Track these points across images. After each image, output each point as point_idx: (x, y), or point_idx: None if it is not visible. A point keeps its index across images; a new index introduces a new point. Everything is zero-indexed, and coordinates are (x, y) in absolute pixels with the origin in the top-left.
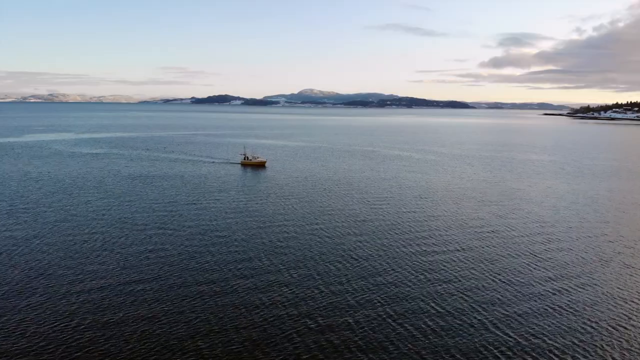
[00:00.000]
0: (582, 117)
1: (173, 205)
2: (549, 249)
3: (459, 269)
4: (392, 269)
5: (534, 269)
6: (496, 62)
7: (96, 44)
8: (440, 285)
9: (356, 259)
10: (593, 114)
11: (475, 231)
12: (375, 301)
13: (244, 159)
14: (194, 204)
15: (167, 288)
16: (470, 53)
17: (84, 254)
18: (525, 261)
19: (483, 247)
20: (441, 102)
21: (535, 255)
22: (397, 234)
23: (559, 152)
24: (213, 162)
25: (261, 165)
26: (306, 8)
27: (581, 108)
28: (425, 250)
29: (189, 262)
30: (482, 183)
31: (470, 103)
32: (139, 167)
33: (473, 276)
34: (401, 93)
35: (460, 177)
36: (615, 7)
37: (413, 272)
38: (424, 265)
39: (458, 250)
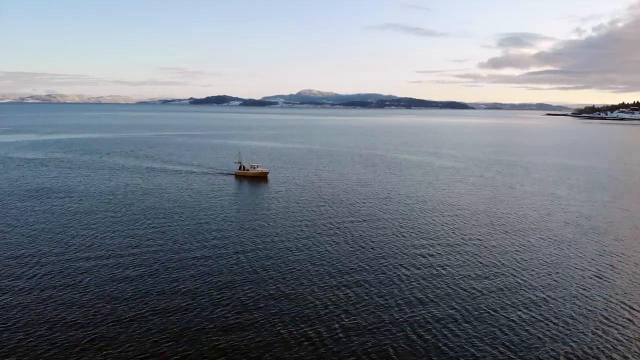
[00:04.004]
0: (589, 117)
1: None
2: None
3: None
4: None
5: None
6: (495, 63)
7: (95, 44)
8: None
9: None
10: (599, 114)
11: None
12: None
13: (240, 168)
14: (152, 244)
15: None
16: (469, 53)
17: None
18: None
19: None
20: (440, 102)
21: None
22: (442, 277)
23: (593, 157)
24: (197, 171)
25: (262, 177)
26: (306, 8)
27: (586, 108)
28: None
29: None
30: (537, 204)
31: (469, 104)
32: (79, 179)
33: None
34: (400, 93)
35: (499, 193)
36: (615, 7)
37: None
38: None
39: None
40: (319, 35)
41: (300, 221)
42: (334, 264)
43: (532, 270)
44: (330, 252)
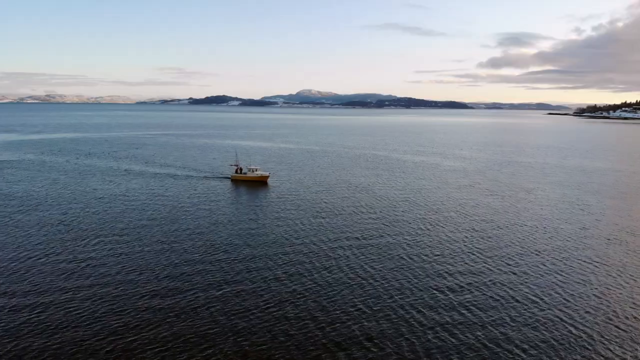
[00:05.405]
0: (591, 117)
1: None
2: None
3: None
4: None
5: None
6: (494, 63)
7: (94, 45)
8: None
9: None
10: (602, 114)
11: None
12: None
13: (236, 171)
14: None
15: None
16: (469, 53)
17: None
18: None
19: None
20: (439, 102)
21: None
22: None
23: (608, 157)
24: (189, 175)
25: (262, 182)
26: (306, 8)
27: (588, 107)
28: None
29: None
30: (566, 214)
31: (468, 103)
32: (43, 183)
33: None
34: (399, 93)
35: (520, 200)
36: (614, 7)
37: None
38: None
39: None
40: (318, 35)
41: (308, 234)
42: (346, 281)
43: (580, 308)
44: (345, 269)
